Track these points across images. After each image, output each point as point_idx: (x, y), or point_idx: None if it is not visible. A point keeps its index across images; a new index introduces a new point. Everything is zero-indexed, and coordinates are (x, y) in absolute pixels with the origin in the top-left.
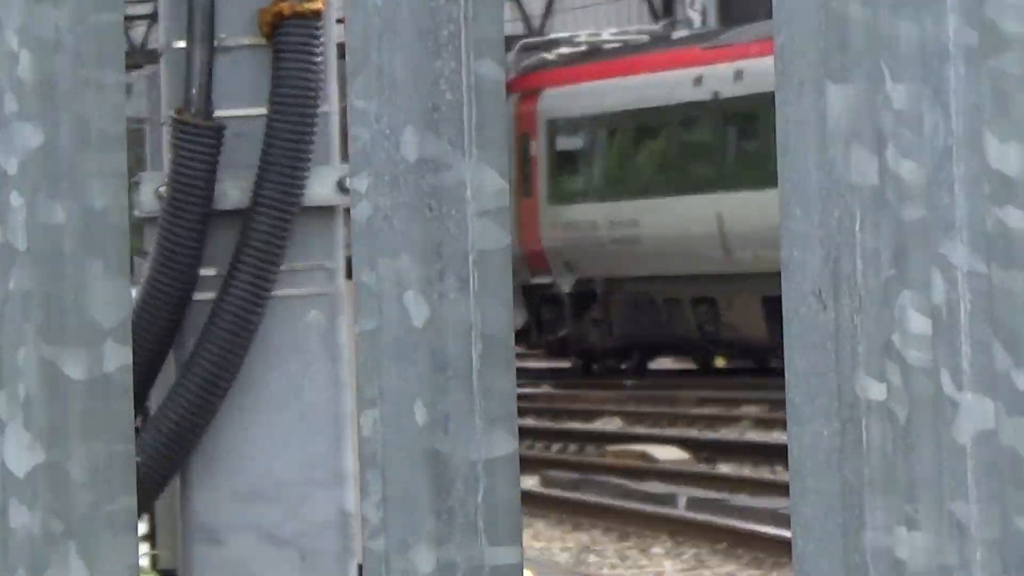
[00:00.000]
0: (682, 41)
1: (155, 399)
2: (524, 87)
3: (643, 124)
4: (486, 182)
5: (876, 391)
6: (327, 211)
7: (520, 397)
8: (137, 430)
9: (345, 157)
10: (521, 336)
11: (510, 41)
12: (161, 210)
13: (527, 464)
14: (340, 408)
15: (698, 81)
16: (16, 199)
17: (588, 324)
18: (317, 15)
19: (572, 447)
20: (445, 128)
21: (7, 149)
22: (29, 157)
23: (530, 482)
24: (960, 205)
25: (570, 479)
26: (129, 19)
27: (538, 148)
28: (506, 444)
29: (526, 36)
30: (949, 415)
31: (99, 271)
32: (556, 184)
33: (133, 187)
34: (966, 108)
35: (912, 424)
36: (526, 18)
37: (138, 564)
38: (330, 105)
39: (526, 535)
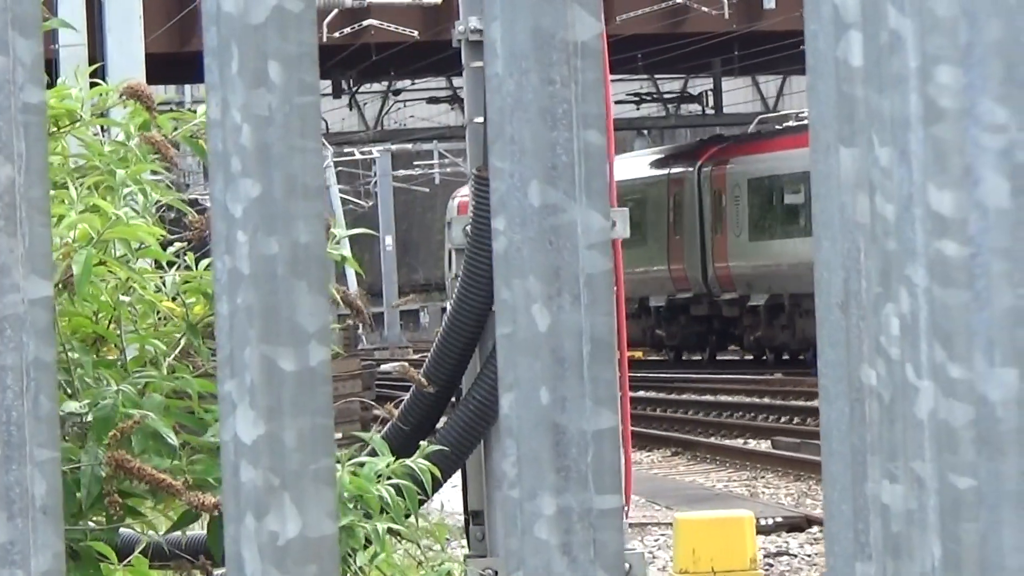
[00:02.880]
0: None
1: (465, 384)
2: (715, 156)
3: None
4: (593, 222)
5: (871, 378)
6: None
7: (758, 381)
8: (452, 406)
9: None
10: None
11: (750, 116)
12: (467, 243)
13: (760, 431)
14: None
15: None
16: (241, 236)
17: (777, 329)
18: None
19: (796, 419)
20: (561, 182)
21: (234, 198)
22: (250, 204)
23: (763, 445)
24: (919, 238)
25: (793, 442)
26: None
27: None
28: (609, 419)
29: (762, 113)
30: (912, 397)
31: (304, 289)
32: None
33: (447, 226)
34: (919, 164)
35: (893, 404)
36: (763, 98)
37: (336, 510)
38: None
39: (758, 484)
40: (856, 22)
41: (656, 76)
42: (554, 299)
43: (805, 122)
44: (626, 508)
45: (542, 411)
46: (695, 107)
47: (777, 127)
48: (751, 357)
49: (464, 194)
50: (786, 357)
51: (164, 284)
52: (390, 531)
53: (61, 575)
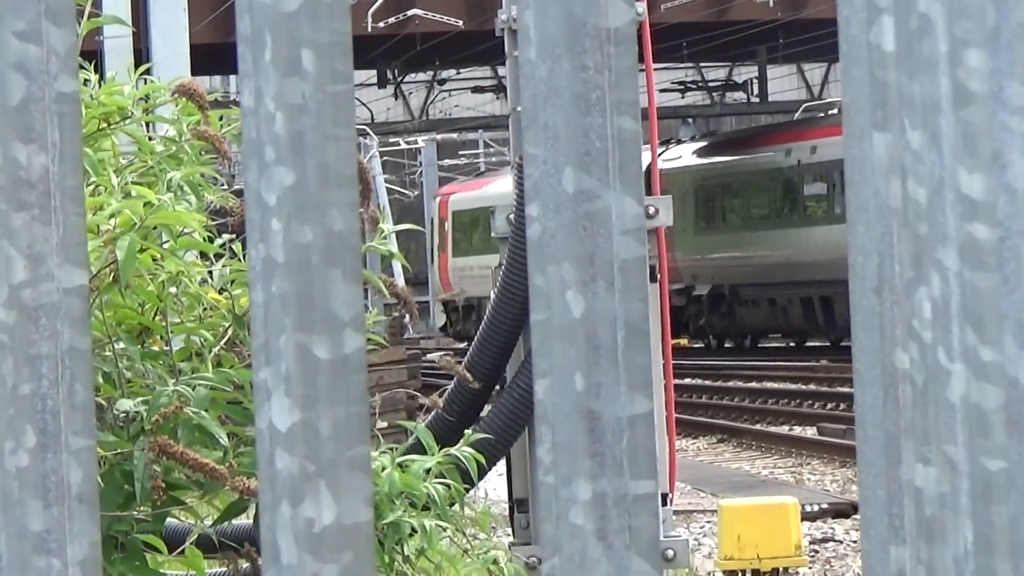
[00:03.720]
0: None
1: (509, 372)
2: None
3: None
4: (626, 208)
5: (905, 362)
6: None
7: (804, 368)
8: (497, 394)
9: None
10: None
11: (795, 104)
12: (510, 232)
13: (807, 418)
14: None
15: (788, 153)
16: (275, 224)
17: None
18: None
19: (843, 405)
20: (595, 168)
21: (268, 187)
22: (284, 193)
23: (809, 431)
24: (950, 222)
25: (839, 429)
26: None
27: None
28: (643, 404)
29: (808, 100)
30: (944, 380)
31: (338, 277)
32: None
33: (490, 214)
34: (949, 148)
35: (926, 388)
36: (808, 86)
37: (372, 496)
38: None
39: (804, 471)
40: (888, 7)
41: (701, 64)
42: (588, 285)
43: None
44: (670, 495)
45: (577, 397)
46: (740, 95)
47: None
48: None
49: (445, 192)
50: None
51: (211, 276)
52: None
53: (97, 563)
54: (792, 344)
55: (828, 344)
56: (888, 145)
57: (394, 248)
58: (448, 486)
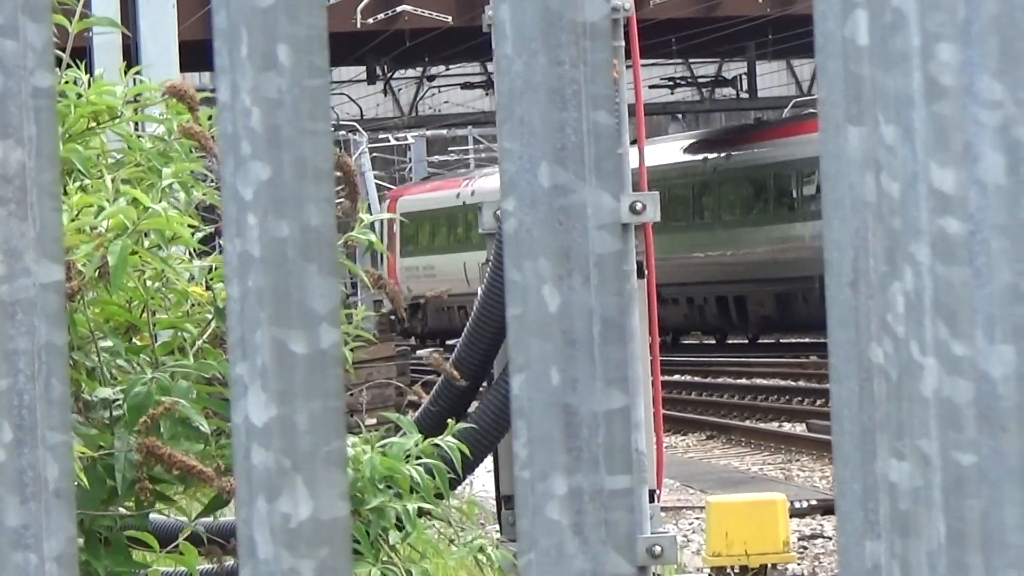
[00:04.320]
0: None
1: (496, 368)
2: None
3: None
4: (602, 203)
5: (879, 357)
6: (624, 227)
7: (792, 364)
8: (484, 390)
9: (635, 187)
10: None
11: (784, 100)
12: (497, 228)
13: (796, 414)
14: (634, 375)
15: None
16: (251, 219)
17: None
18: (613, 81)
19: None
20: (570, 163)
21: (244, 181)
22: (260, 187)
23: (798, 428)
24: (923, 216)
25: (828, 425)
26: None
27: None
28: (620, 399)
29: (797, 96)
30: (917, 375)
31: (315, 272)
32: None
33: (478, 210)
34: (922, 142)
35: (900, 382)
36: (798, 82)
37: (348, 492)
38: (623, 147)
39: (793, 467)
40: (862, 1)
41: (690, 60)
42: (564, 280)
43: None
44: (658, 492)
45: (552, 392)
46: (729, 91)
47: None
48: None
49: (395, 194)
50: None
51: (195, 272)
52: (421, 511)
53: (74, 559)
54: (781, 340)
55: (820, 340)
56: (863, 139)
57: (374, 237)
58: (431, 473)
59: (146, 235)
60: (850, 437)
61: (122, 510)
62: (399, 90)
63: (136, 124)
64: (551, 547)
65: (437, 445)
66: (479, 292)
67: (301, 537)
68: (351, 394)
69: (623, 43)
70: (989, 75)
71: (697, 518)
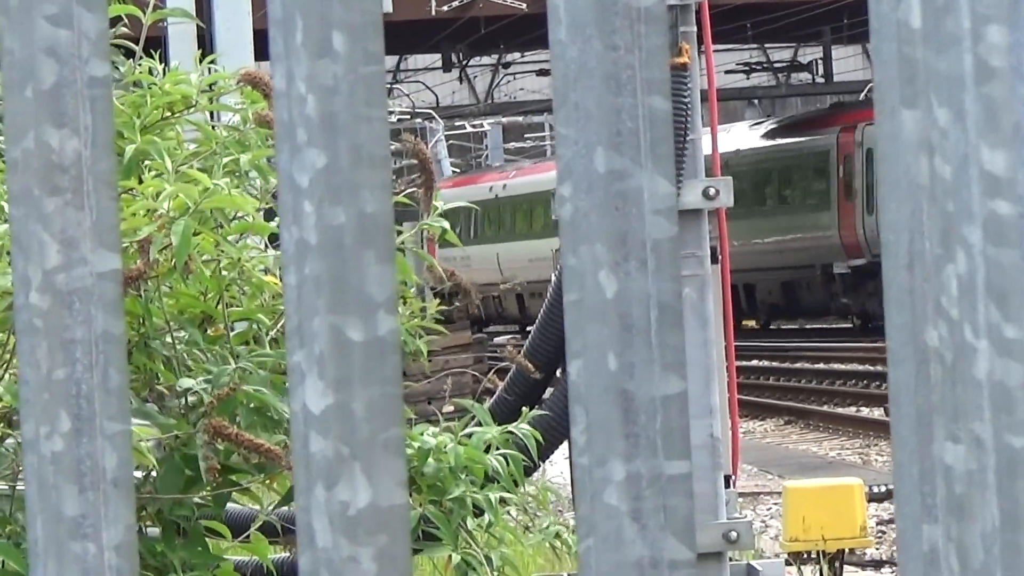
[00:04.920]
0: None
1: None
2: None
3: None
4: (658, 188)
5: (934, 340)
6: (697, 213)
7: (870, 349)
8: (559, 378)
9: (709, 172)
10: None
11: (860, 84)
12: None
13: (874, 399)
14: (708, 360)
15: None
16: (308, 206)
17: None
18: (684, 67)
19: None
20: (626, 148)
21: (300, 169)
22: (316, 175)
23: (876, 412)
24: (975, 198)
25: None
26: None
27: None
28: (677, 385)
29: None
30: (971, 358)
31: (372, 259)
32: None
33: (551, 196)
34: (973, 124)
35: (955, 365)
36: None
37: (407, 480)
38: (696, 134)
39: (871, 452)
40: None
41: (766, 45)
42: (621, 265)
43: None
44: (734, 478)
45: (610, 377)
46: (805, 76)
47: None
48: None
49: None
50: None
51: (269, 264)
52: (500, 500)
53: (134, 547)
54: (858, 324)
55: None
56: (917, 122)
57: (447, 225)
58: (508, 460)
59: (219, 225)
60: (907, 420)
61: (195, 499)
62: (475, 77)
63: (212, 114)
64: (610, 533)
65: (511, 432)
66: (552, 279)
67: (360, 525)
68: (429, 382)
69: (695, 28)
70: None
71: (775, 503)
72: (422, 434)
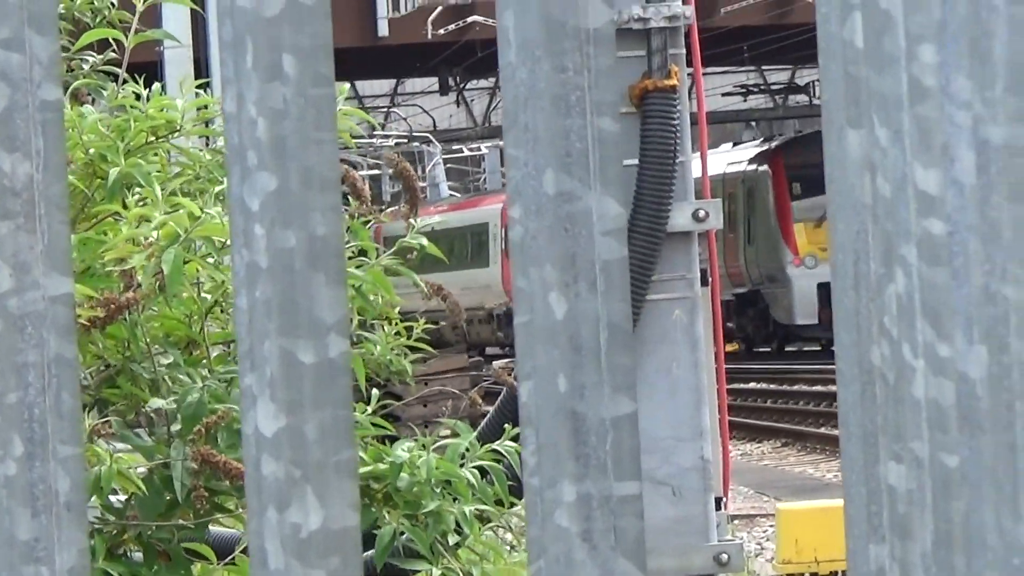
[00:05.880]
0: None
1: None
2: None
3: None
4: (608, 209)
5: (878, 359)
6: (686, 235)
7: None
8: None
9: (698, 195)
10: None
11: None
12: None
13: None
14: (699, 382)
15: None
16: (259, 229)
17: None
18: (673, 89)
19: None
20: (575, 169)
21: (251, 192)
22: (267, 198)
23: None
24: (911, 218)
25: None
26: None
27: None
28: (627, 406)
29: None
30: (910, 377)
31: (322, 281)
32: None
33: None
34: (910, 144)
35: (897, 385)
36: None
37: (359, 502)
38: (685, 156)
39: None
40: (859, 3)
41: (763, 67)
42: (570, 286)
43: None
44: (725, 500)
45: (560, 399)
46: (803, 98)
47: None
48: None
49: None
50: None
51: None
52: (481, 516)
53: (86, 571)
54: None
55: None
56: (861, 142)
57: (426, 242)
58: (489, 475)
59: (200, 247)
60: (855, 440)
61: (177, 523)
62: (472, 100)
63: (209, 139)
64: (560, 555)
65: (496, 451)
66: None
67: (312, 547)
68: (426, 406)
69: (684, 51)
70: (964, 75)
71: (771, 526)
72: (396, 449)
